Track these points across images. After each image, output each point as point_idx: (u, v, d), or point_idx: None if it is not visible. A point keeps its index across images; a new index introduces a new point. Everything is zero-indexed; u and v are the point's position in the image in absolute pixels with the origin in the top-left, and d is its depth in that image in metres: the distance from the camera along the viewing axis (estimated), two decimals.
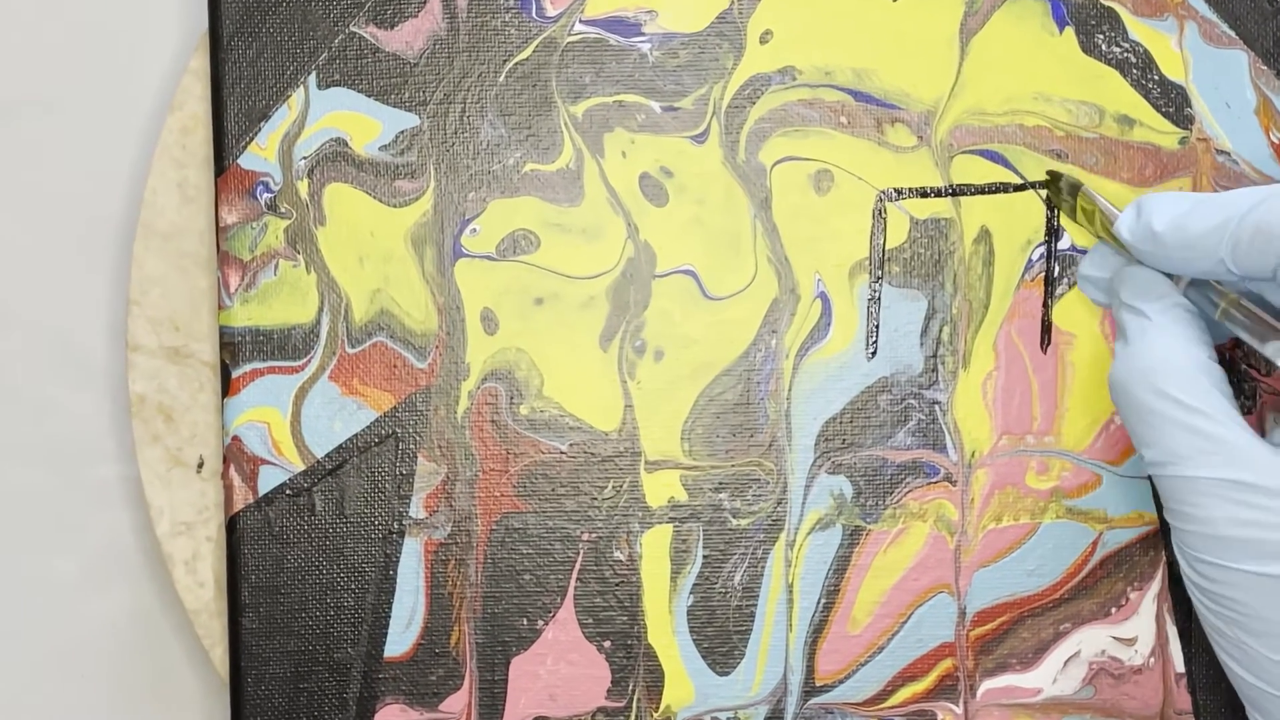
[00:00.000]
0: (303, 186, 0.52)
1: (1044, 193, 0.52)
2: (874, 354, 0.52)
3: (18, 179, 0.55)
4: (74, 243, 0.55)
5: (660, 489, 0.52)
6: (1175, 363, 0.45)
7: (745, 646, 0.53)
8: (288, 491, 0.52)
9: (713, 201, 0.52)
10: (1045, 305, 0.52)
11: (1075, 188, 0.48)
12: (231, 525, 0.52)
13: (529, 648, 0.52)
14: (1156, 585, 0.52)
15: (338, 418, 0.52)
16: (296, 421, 0.52)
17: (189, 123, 0.53)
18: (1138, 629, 0.52)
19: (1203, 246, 0.44)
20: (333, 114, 0.52)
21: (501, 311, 0.52)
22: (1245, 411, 0.52)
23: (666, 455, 0.52)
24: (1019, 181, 0.52)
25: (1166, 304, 0.46)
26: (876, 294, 0.52)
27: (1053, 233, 0.52)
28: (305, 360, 0.52)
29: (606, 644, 0.52)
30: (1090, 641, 0.52)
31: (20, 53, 0.55)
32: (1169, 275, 0.46)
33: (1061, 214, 0.51)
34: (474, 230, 0.52)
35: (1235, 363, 0.52)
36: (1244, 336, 0.45)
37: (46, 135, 0.55)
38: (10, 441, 0.55)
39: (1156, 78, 0.53)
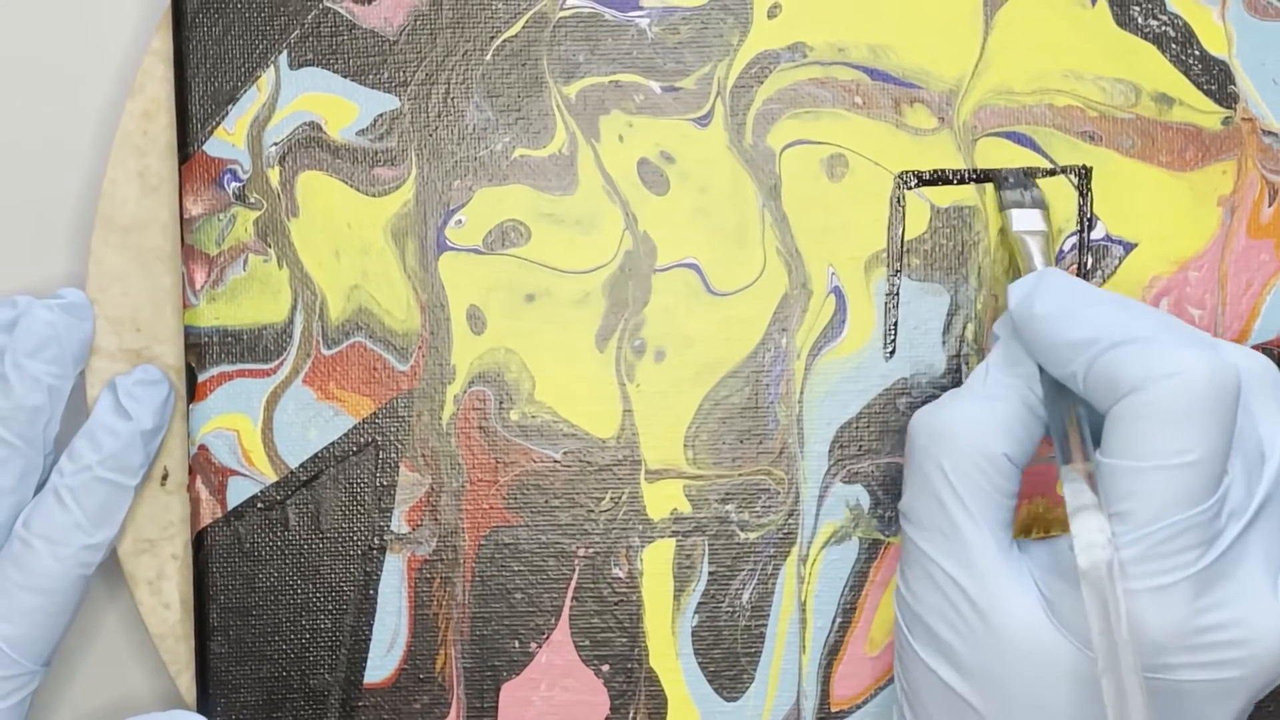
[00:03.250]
0: (274, 175, 0.52)
1: (1077, 179, 0.52)
2: (892, 353, 0.52)
3: None
4: (26, 237, 0.55)
5: (662, 500, 0.52)
6: (967, 439, 0.47)
7: (755, 670, 0.53)
8: (259, 505, 0.52)
9: (717, 189, 0.52)
10: None
11: (1039, 204, 0.51)
12: (198, 542, 0.52)
13: (521, 672, 0.53)
14: None
15: (313, 425, 0.52)
16: (268, 429, 0.52)
17: (150, 107, 0.53)
18: None
19: (1063, 354, 0.46)
20: (306, 96, 0.52)
21: (489, 309, 0.52)
22: None
23: (669, 464, 0.52)
24: (1049, 167, 0.52)
25: (1011, 383, 0.48)
26: (895, 288, 0.52)
27: (1085, 222, 0.52)
28: (277, 363, 0.52)
29: (605, 668, 0.53)
30: None
31: None
32: None
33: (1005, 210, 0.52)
34: (459, 221, 0.52)
35: None
36: (1055, 440, 0.47)
37: None
38: None
39: (1197, 53, 0.53)
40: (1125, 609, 0.44)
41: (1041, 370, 0.48)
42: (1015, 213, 0.51)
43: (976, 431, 0.46)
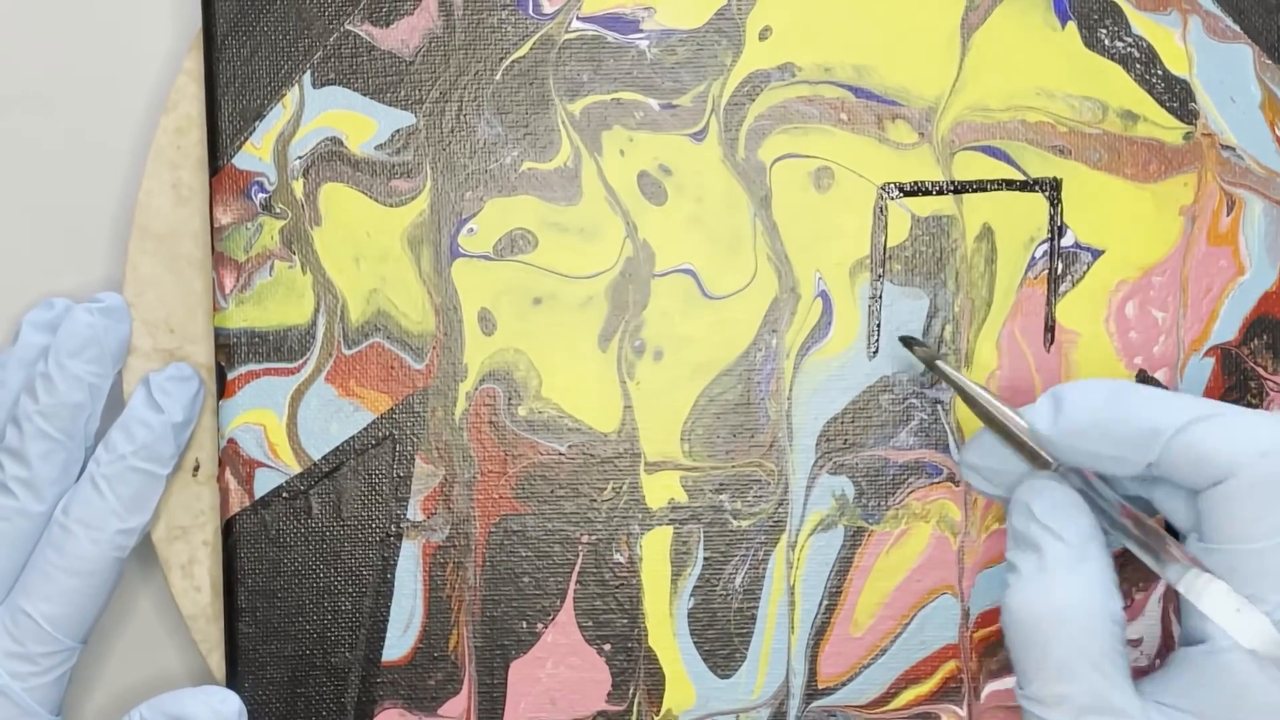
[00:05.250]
0: (298, 186, 0.52)
1: (1048, 190, 0.52)
2: (876, 353, 0.52)
3: (10, 179, 0.55)
4: (67, 245, 0.55)
5: (660, 490, 0.52)
6: (1090, 610, 0.44)
7: (747, 649, 0.53)
8: (284, 494, 0.52)
9: (712, 200, 0.52)
10: (1049, 303, 0.52)
11: (930, 361, 0.50)
12: (228, 529, 0.52)
13: (528, 651, 0.53)
14: (1161, 587, 0.53)
15: (334, 420, 0.52)
16: (293, 424, 0.52)
17: (183, 123, 0.53)
18: (1142, 630, 0.53)
19: (1135, 448, 0.44)
20: (328, 113, 0.52)
21: (499, 312, 0.52)
22: (1252, 407, 0.52)
23: (666, 456, 0.52)
24: (1022, 179, 0.52)
25: (1088, 533, 0.45)
26: (878, 292, 0.52)
27: (1056, 230, 0.52)
28: (301, 362, 0.52)
29: (607, 647, 0.53)
30: None
31: (13, 52, 0.55)
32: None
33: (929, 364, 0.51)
34: (471, 230, 0.52)
35: (1242, 360, 0.52)
36: (1134, 549, 0.45)
37: (38, 135, 0.55)
38: None
39: (1160, 73, 0.52)
40: None
41: (1087, 496, 0.46)
42: (939, 363, 0.50)
43: (1096, 599, 0.44)
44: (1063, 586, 0.44)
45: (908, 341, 0.51)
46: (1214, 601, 0.43)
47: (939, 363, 0.50)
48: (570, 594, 0.52)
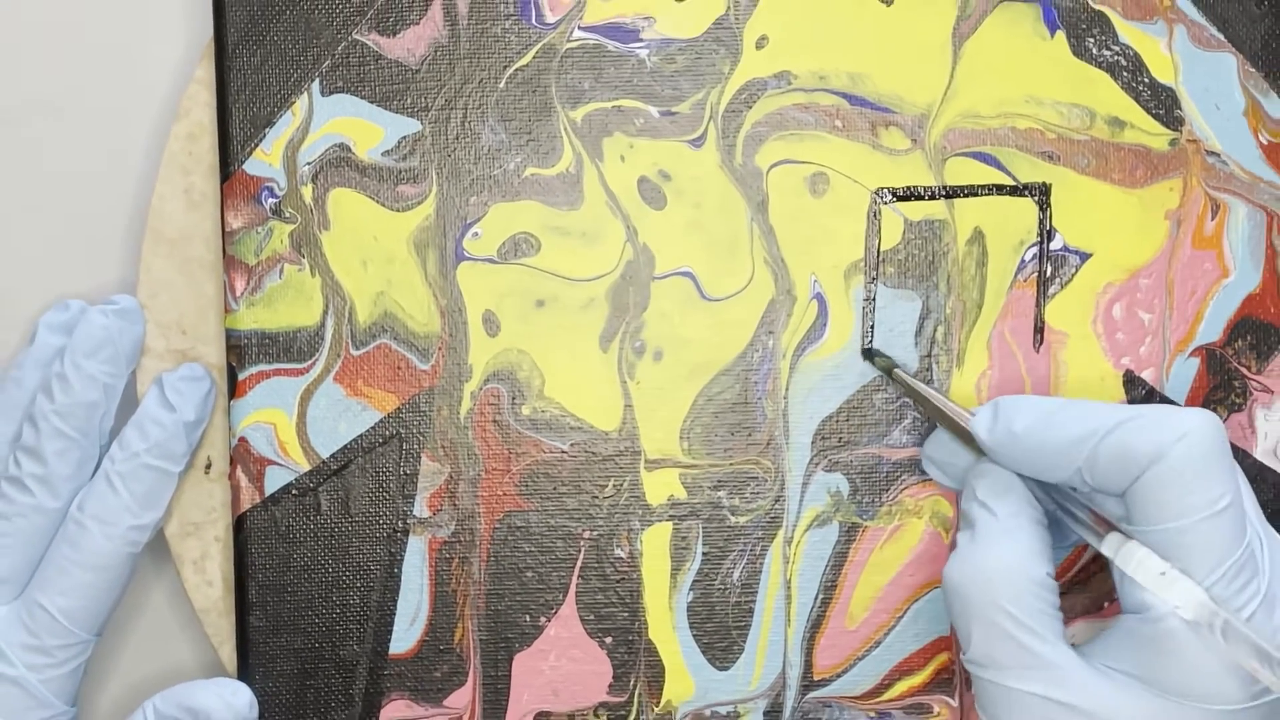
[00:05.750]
0: (307, 192, 0.52)
1: (1037, 195, 0.53)
2: (869, 354, 0.53)
3: (28, 185, 0.55)
4: (83, 248, 0.55)
5: (660, 487, 0.53)
6: (1015, 574, 0.46)
7: (744, 642, 0.53)
8: (294, 491, 0.52)
9: (710, 204, 0.53)
10: (1038, 305, 0.53)
11: (888, 370, 0.51)
12: (239, 525, 0.52)
13: (532, 644, 0.53)
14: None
15: (342, 419, 0.52)
16: (302, 423, 0.52)
17: (195, 130, 0.53)
18: None
19: (1061, 456, 0.47)
20: (336, 120, 0.52)
21: (503, 313, 0.53)
22: (1234, 409, 0.53)
23: (666, 454, 0.53)
24: (1012, 184, 0.53)
25: (1017, 508, 0.47)
26: (871, 294, 0.53)
27: (1045, 234, 0.53)
28: (310, 362, 0.52)
29: (608, 640, 0.53)
30: (1083, 634, 0.52)
31: (32, 62, 0.55)
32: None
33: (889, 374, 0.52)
34: (475, 234, 0.53)
35: (1226, 361, 0.53)
36: (1070, 524, 0.47)
37: (56, 142, 0.55)
38: None
39: (1147, 80, 0.53)
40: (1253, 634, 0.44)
41: (1030, 482, 0.48)
42: (896, 371, 0.51)
43: (1022, 565, 0.46)
44: (991, 555, 0.46)
45: (868, 354, 0.52)
46: (1142, 567, 0.45)
47: (896, 370, 0.51)
48: (572, 588, 0.53)
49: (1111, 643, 0.47)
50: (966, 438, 0.49)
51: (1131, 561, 0.45)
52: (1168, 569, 0.45)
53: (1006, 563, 0.46)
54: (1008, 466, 0.48)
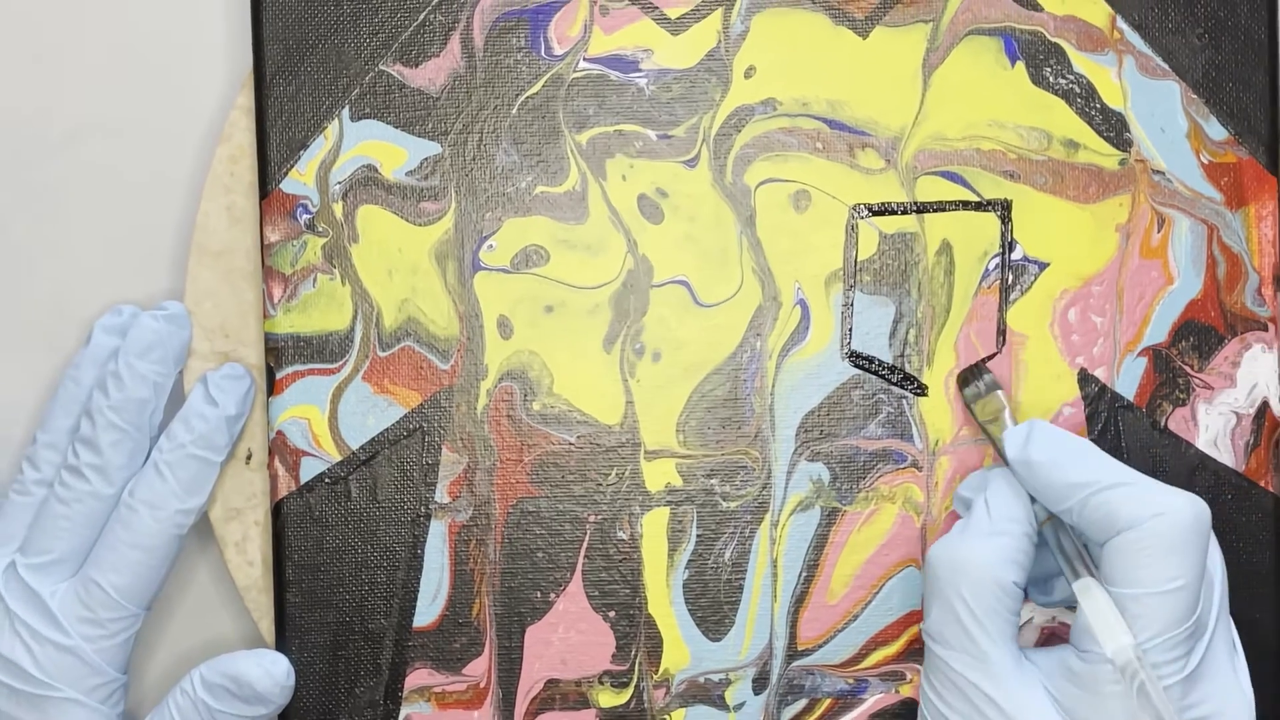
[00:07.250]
0: (338, 208, 0.53)
1: (999, 210, 0.53)
2: (848, 355, 0.54)
3: (85, 201, 0.56)
4: (135, 259, 0.56)
5: (658, 475, 0.54)
6: (983, 571, 0.47)
7: (735, 616, 0.54)
8: (326, 480, 0.53)
9: (703, 219, 0.53)
10: (1000, 310, 0.54)
11: (994, 386, 0.51)
12: (276, 510, 0.53)
13: (542, 618, 0.53)
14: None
15: (370, 414, 0.53)
16: (334, 417, 0.53)
17: (236, 152, 0.54)
18: None
19: (1058, 494, 0.48)
20: (364, 143, 0.53)
21: (516, 318, 0.53)
22: (1178, 404, 0.54)
23: (663, 445, 0.54)
24: (976, 200, 0.53)
25: (1012, 516, 0.48)
26: (850, 301, 0.53)
27: (1006, 245, 0.53)
28: (341, 363, 0.53)
29: (611, 614, 0.54)
30: (1041, 611, 0.54)
31: (89, 89, 0.56)
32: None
33: (970, 403, 0.53)
34: (491, 246, 0.53)
35: (1171, 360, 0.54)
36: (1054, 552, 0.49)
37: (111, 163, 0.56)
38: None
39: (1099, 106, 0.53)
40: (1160, 691, 0.45)
41: (1035, 503, 0.49)
42: (977, 404, 0.52)
43: (991, 565, 0.47)
44: (969, 548, 0.48)
45: (967, 377, 0.52)
46: (1097, 610, 0.47)
47: (995, 394, 0.51)
48: (579, 567, 0.53)
49: (1050, 663, 0.48)
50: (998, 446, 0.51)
51: (1090, 601, 0.47)
52: (1116, 619, 0.46)
53: (980, 559, 0.47)
54: (1023, 484, 0.49)
